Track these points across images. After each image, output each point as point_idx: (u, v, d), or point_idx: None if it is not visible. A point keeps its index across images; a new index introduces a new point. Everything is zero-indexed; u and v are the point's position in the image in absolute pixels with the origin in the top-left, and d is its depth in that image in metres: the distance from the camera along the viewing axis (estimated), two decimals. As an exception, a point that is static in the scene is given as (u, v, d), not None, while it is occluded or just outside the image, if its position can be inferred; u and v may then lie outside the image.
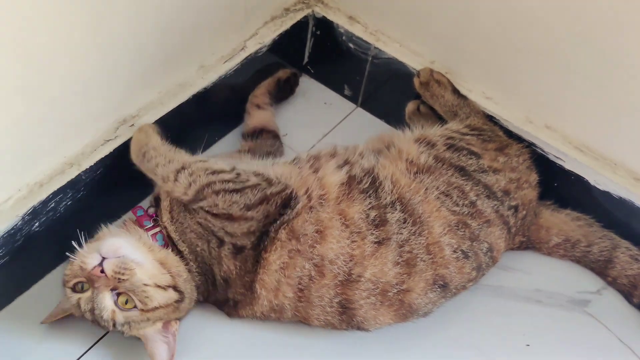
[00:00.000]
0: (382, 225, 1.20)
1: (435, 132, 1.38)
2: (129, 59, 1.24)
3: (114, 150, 1.30)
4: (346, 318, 1.22)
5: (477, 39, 1.42)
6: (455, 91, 1.49)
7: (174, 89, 1.40)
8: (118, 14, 1.14)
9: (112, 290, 1.14)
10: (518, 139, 1.45)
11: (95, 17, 1.10)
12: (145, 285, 1.14)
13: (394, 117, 1.63)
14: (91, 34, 1.12)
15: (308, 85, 1.78)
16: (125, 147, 1.29)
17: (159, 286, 1.16)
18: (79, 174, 1.26)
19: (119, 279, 1.13)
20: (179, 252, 1.23)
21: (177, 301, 1.19)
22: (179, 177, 1.22)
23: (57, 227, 1.26)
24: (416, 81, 1.51)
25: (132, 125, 1.33)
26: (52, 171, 1.24)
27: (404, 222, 1.22)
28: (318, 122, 1.71)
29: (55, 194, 1.23)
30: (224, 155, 1.44)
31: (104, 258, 1.13)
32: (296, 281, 1.19)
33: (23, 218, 1.19)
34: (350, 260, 1.19)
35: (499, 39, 1.38)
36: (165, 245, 1.24)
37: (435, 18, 1.47)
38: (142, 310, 1.15)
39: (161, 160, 1.24)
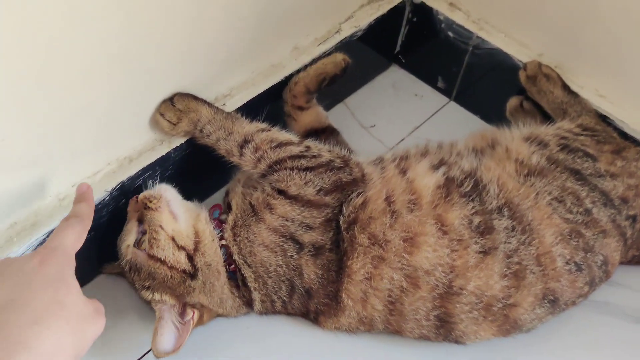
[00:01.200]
0: (487, 233, 1.09)
1: (546, 130, 1.26)
2: (226, 36, 1.18)
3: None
4: (444, 331, 1.12)
5: (595, 31, 1.30)
6: (566, 87, 1.37)
7: (266, 69, 1.34)
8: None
9: (138, 221, 1.12)
10: (635, 142, 1.32)
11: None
12: (161, 227, 1.09)
13: (491, 114, 1.52)
14: (195, 6, 1.06)
15: (398, 75, 1.69)
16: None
17: (174, 241, 1.10)
18: (169, 152, 1.21)
19: (146, 205, 1.10)
20: (242, 278, 1.14)
21: (186, 273, 1.10)
22: (244, 152, 1.15)
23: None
24: (522, 75, 1.40)
25: (224, 104, 1.27)
26: (143, 147, 1.20)
27: (512, 230, 1.11)
28: (408, 115, 1.61)
29: (144, 170, 1.19)
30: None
31: None
32: (385, 293, 1.10)
33: (111, 193, 1.16)
34: (451, 272, 1.08)
35: (620, 32, 1.26)
36: (227, 263, 1.15)
37: (547, 7, 1.35)
38: (148, 255, 1.09)
39: (221, 134, 1.17)
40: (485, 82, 1.55)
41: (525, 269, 1.09)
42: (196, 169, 1.26)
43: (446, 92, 1.65)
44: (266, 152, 1.14)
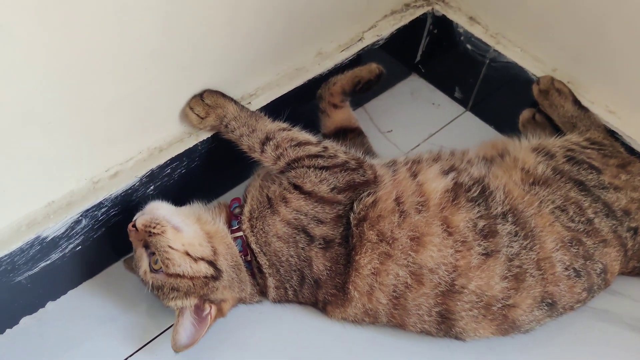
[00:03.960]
0: (491, 237, 1.15)
1: (554, 142, 1.32)
2: (255, 40, 1.26)
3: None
4: (444, 327, 1.19)
5: (607, 50, 1.35)
6: (576, 102, 1.42)
7: (291, 72, 1.41)
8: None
9: (144, 247, 1.16)
10: (641, 158, 1.37)
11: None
12: (170, 247, 1.13)
13: (505, 125, 1.57)
14: (229, 11, 1.14)
15: (417, 84, 1.76)
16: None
17: (189, 254, 1.14)
18: (196, 144, 1.29)
19: (149, 232, 1.14)
20: (257, 265, 1.22)
21: (209, 277, 1.16)
22: (265, 149, 1.22)
23: (169, 193, 1.29)
24: (535, 88, 1.46)
25: (249, 103, 1.35)
26: (172, 138, 1.28)
27: (515, 235, 1.16)
28: (424, 122, 1.68)
29: (172, 160, 1.27)
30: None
31: None
32: (390, 288, 1.16)
33: (141, 180, 1.24)
34: (454, 271, 1.14)
35: (631, 52, 1.31)
36: (244, 253, 1.22)
37: (562, 24, 1.41)
38: (166, 274, 1.14)
39: (245, 130, 1.24)
40: (501, 94, 1.60)
41: (526, 272, 1.15)
42: (220, 162, 1.34)
43: (463, 102, 1.71)
44: (286, 150, 1.21)
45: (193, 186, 1.31)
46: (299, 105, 1.41)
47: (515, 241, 1.16)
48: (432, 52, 1.70)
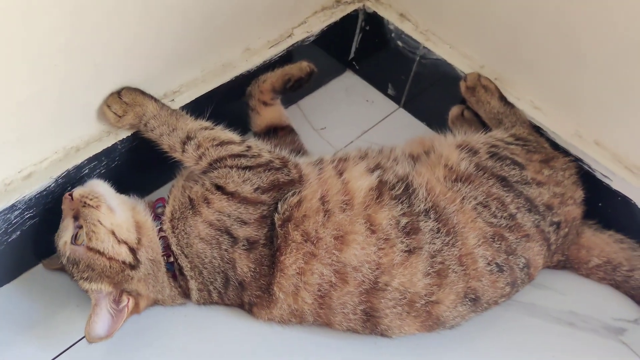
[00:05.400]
0: (413, 234, 1.16)
1: (478, 139, 1.33)
2: (173, 31, 1.22)
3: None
4: (370, 325, 1.18)
5: (533, 47, 1.37)
6: (502, 98, 1.44)
7: (217, 68, 1.39)
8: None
9: (74, 217, 1.15)
10: (565, 153, 1.39)
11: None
12: (99, 222, 1.13)
13: (437, 121, 1.58)
14: (140, 5, 1.11)
15: (352, 81, 1.75)
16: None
17: (114, 234, 1.13)
18: (116, 143, 1.25)
19: (85, 202, 1.13)
20: (179, 267, 1.20)
21: (126, 264, 1.14)
22: (187, 149, 1.20)
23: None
24: (462, 85, 1.47)
25: (173, 100, 1.32)
26: (90, 137, 1.24)
27: (437, 232, 1.17)
28: (358, 119, 1.67)
29: (90, 160, 1.23)
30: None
31: None
32: (315, 288, 1.15)
33: (57, 181, 1.19)
34: (377, 269, 1.14)
35: (556, 49, 1.33)
36: (166, 256, 1.20)
37: (490, 21, 1.42)
38: (87, 247, 1.12)
39: (165, 129, 1.22)
40: (431, 91, 1.61)
41: (448, 268, 1.15)
42: (143, 162, 1.30)
43: (396, 99, 1.71)
44: (208, 149, 1.19)
45: (116, 186, 1.26)
46: (226, 103, 1.39)
47: (437, 238, 1.17)
48: (365, 49, 1.69)
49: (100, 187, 1.18)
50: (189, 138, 1.20)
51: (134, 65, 1.21)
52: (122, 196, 1.23)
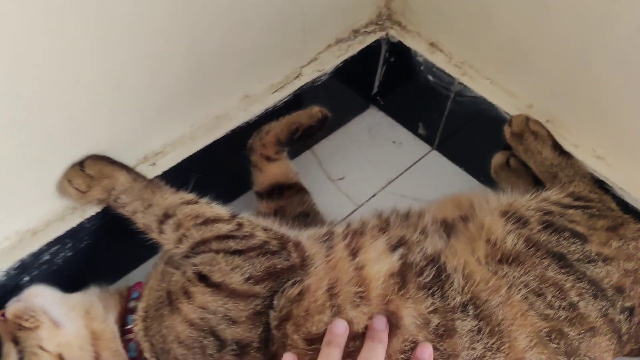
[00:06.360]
0: (448, 337, 0.91)
1: (528, 204, 1.08)
2: (154, 80, 1.01)
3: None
4: None
5: (594, 82, 1.12)
6: (557, 147, 1.19)
7: (209, 122, 1.17)
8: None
9: (14, 342, 0.94)
10: (637, 215, 1.13)
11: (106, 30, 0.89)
12: (40, 348, 0.92)
13: (477, 166, 1.35)
14: (102, 44, 0.90)
15: (376, 119, 1.52)
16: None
17: (62, 359, 0.93)
18: (82, 222, 1.05)
19: (20, 325, 0.93)
20: None
21: None
22: (164, 229, 0.99)
23: (55, 279, 1.05)
24: (507, 131, 1.22)
25: (154, 164, 1.11)
26: (51, 216, 1.04)
27: (478, 332, 0.92)
28: (383, 165, 1.44)
29: (50, 244, 1.03)
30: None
31: None
32: None
33: (8, 273, 1.00)
34: None
35: (624, 84, 1.08)
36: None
37: (539, 53, 1.18)
38: None
39: (139, 206, 1.01)
40: (470, 132, 1.37)
41: (492, 380, 0.91)
42: (116, 239, 1.10)
43: (428, 140, 1.48)
44: (189, 229, 0.98)
45: (86, 269, 1.08)
46: (220, 161, 1.18)
47: (478, 341, 0.92)
48: (390, 83, 1.46)
49: (38, 299, 0.97)
50: (166, 216, 0.99)
51: (101, 126, 1.00)
52: (73, 297, 1.02)
